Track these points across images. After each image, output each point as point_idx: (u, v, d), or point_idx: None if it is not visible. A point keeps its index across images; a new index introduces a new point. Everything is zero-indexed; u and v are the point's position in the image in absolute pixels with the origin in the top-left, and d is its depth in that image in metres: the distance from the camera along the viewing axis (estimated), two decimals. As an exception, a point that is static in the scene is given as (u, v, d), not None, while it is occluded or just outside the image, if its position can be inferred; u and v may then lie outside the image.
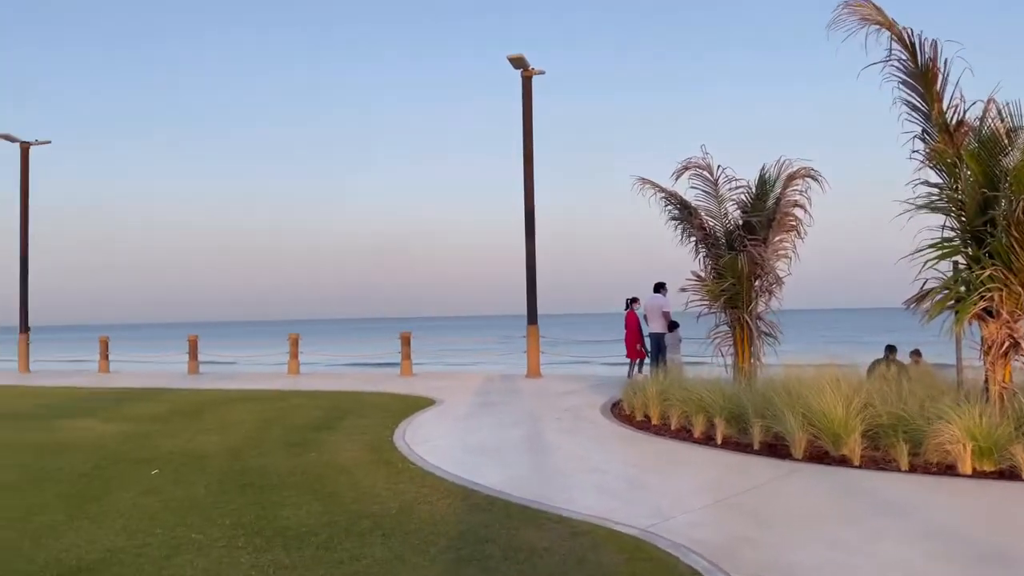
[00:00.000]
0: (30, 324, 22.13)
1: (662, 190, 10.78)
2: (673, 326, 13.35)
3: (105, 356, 20.89)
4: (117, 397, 14.15)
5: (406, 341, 17.59)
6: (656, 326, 13.44)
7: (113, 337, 22.36)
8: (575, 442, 8.39)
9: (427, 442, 8.52)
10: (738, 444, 7.86)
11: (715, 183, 10.46)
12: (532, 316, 16.72)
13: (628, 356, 14.22)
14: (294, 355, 18.48)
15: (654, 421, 9.17)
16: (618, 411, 10.27)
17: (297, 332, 19.31)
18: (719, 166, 10.44)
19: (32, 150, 22.14)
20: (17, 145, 21.90)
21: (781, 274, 10.31)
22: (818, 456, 7.17)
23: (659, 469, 7.07)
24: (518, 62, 16.41)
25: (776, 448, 7.51)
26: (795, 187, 10.21)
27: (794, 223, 10.32)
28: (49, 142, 22.35)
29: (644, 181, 10.80)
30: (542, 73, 16.70)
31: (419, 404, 11.88)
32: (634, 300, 14.07)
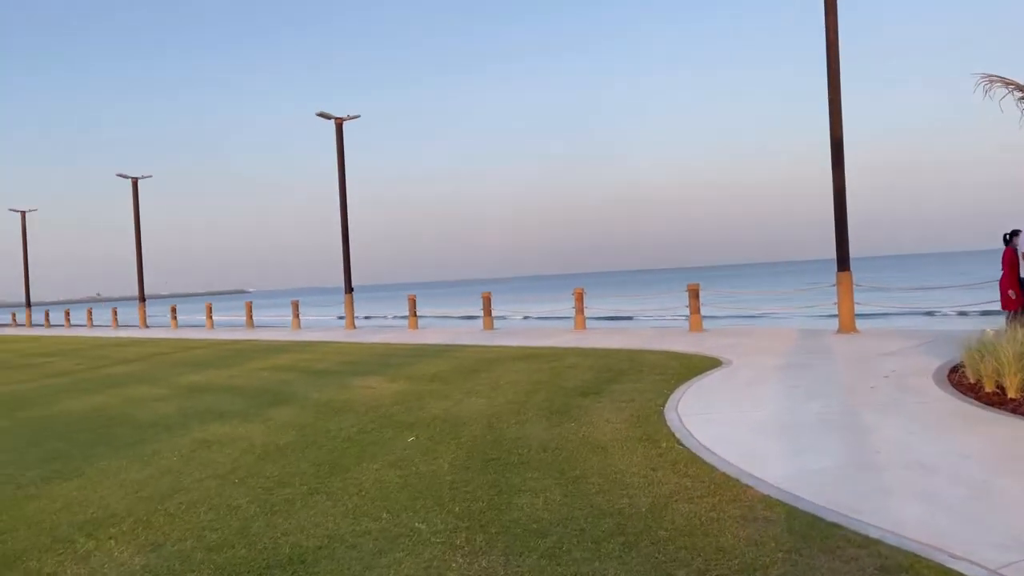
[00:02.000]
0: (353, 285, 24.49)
1: (1021, 88, 8.10)
2: None
3: (413, 313, 22.35)
4: (412, 354, 14.78)
5: (694, 294, 16.19)
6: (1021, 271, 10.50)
7: (427, 295, 23.96)
8: (895, 422, 6.58)
9: (702, 414, 7.28)
10: None
11: (1103, 69, 7.57)
12: (843, 260, 14.34)
13: (1003, 306, 11.08)
14: (579, 310, 18.05)
15: (1011, 394, 6.95)
16: (958, 379, 8.06)
17: (582, 286, 18.86)
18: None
19: (345, 125, 24.21)
20: (332, 121, 24.08)
21: None
22: None
23: (1021, 469, 5.11)
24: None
25: None
26: None
27: None
28: (359, 116, 24.28)
29: (992, 79, 8.20)
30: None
31: (702, 366, 10.59)
32: (1014, 233, 10.79)
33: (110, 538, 4.72)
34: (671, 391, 8.69)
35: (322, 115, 23.87)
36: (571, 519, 4.54)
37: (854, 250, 14.67)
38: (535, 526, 4.47)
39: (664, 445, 6.19)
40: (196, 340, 23.54)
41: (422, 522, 4.67)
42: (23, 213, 44.66)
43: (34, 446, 7.80)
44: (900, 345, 11.35)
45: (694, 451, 5.95)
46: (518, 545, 4.18)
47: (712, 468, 5.45)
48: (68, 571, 4.21)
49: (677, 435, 6.51)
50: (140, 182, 35.45)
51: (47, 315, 45.35)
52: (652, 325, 19.81)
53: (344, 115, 24.10)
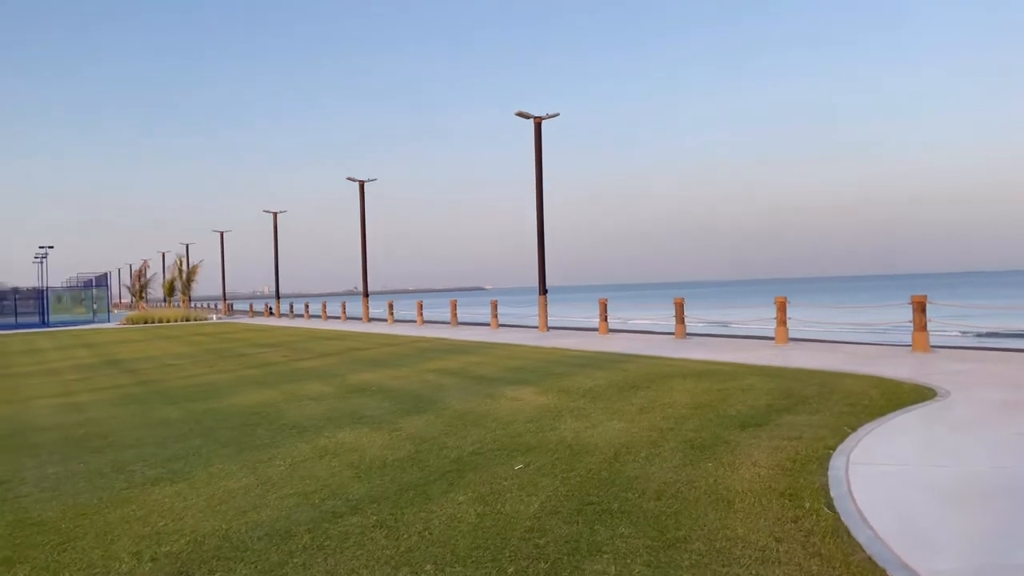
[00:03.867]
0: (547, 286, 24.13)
1: None
2: None
3: (604, 318, 21.49)
4: (581, 363, 13.96)
5: (920, 307, 13.75)
6: None
7: (635, 297, 22.95)
8: None
9: (877, 464, 5.78)
10: None
11: None
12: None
13: None
14: (781, 321, 16.15)
15: None
16: None
17: (785, 296, 16.89)
18: None
19: (544, 124, 23.89)
20: (531, 120, 23.86)
21: None
22: None
23: None
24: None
25: None
26: None
27: None
28: (558, 115, 23.85)
29: None
30: None
31: (908, 398, 8.74)
32: None
33: (151, 559, 4.46)
34: (854, 429, 7.16)
35: (521, 114, 23.75)
36: (637, 604, 3.55)
37: None
38: (588, 609, 3.53)
39: (808, 506, 4.90)
40: (398, 336, 24.46)
41: (461, 584, 3.91)
42: (275, 214, 49.86)
43: (178, 441, 8.04)
44: None
45: (843, 518, 4.62)
46: (550, 636, 3.29)
47: (856, 547, 4.14)
48: (82, 596, 3.97)
49: (832, 492, 5.16)
50: (369, 185, 38.02)
51: (291, 307, 50.22)
52: (871, 342, 17.31)
53: (543, 114, 23.81)
